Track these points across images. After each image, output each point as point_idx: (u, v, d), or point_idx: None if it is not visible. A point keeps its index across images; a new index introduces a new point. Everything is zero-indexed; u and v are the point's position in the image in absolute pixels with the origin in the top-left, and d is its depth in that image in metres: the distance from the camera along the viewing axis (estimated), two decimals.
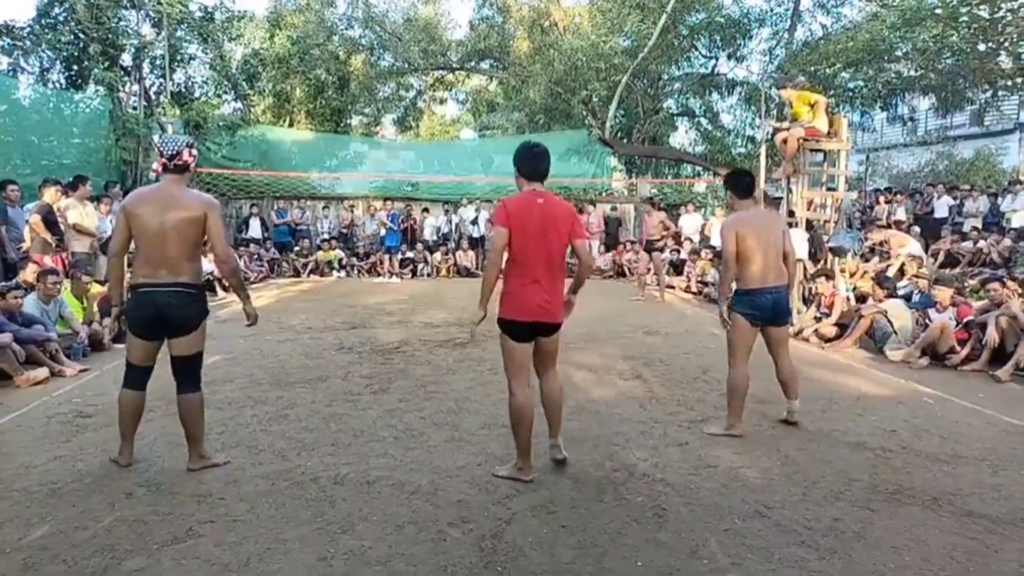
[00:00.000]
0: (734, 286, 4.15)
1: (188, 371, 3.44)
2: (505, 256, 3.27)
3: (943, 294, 6.54)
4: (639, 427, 4.24)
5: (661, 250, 10.68)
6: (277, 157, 16.39)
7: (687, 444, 3.94)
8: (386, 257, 14.11)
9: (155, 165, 3.48)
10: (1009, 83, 13.21)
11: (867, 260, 9.50)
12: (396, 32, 18.15)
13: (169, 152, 3.36)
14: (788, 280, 4.19)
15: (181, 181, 3.42)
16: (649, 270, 10.82)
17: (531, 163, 3.36)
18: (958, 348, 6.15)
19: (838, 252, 8.46)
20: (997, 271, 8.68)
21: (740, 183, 4.25)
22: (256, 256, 13.41)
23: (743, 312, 4.05)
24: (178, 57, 14.49)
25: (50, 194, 7.79)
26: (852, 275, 8.30)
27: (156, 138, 3.38)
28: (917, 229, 11.78)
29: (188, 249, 3.33)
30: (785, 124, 8.22)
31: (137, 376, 3.45)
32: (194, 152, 3.48)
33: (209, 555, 2.62)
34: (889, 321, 6.69)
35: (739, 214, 4.16)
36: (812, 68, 13.78)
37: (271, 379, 5.34)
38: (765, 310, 4.04)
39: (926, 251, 10.83)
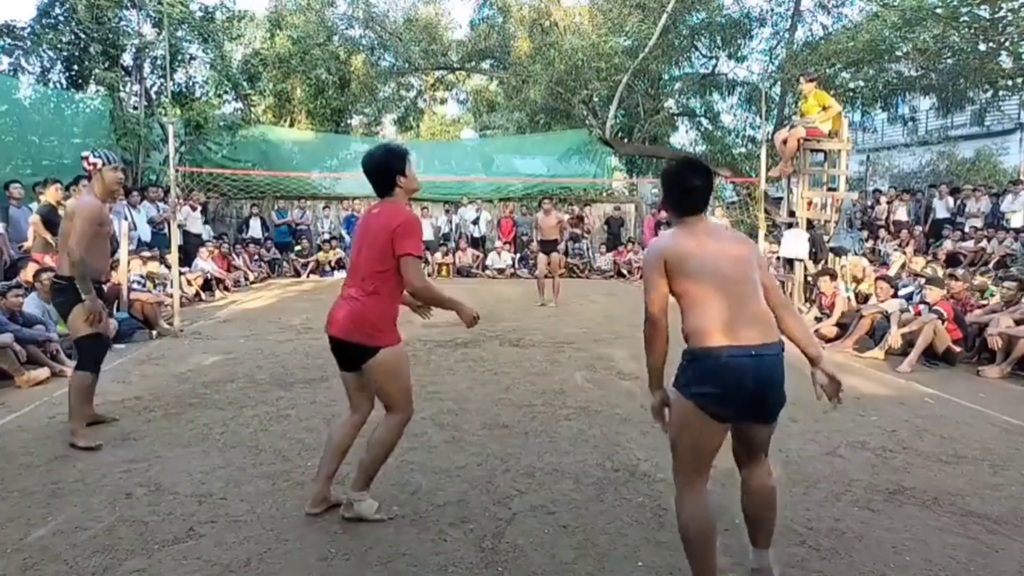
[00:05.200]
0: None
1: (75, 351, 4.05)
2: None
3: (934, 294, 6.55)
4: (639, 427, 4.23)
5: (557, 250, 9.85)
6: (277, 157, 16.38)
7: None
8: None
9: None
10: (1010, 83, 13.20)
11: (872, 262, 9.50)
12: (396, 32, 18.12)
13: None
14: (789, 334, 2.36)
15: (88, 186, 4.04)
16: (549, 274, 9.73)
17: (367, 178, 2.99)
18: (955, 348, 6.16)
19: (839, 252, 8.47)
20: (998, 271, 8.68)
21: (686, 188, 2.35)
22: (256, 256, 13.41)
23: (694, 393, 2.20)
24: (179, 57, 14.47)
25: (51, 193, 7.80)
26: (857, 280, 8.27)
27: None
28: (919, 229, 11.78)
29: (64, 242, 3.86)
30: (812, 119, 8.01)
31: None
32: (92, 160, 3.97)
33: (210, 555, 2.63)
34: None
35: (671, 233, 2.39)
36: (813, 68, 13.76)
37: (272, 379, 5.34)
38: (737, 389, 2.15)
39: (927, 251, 10.83)
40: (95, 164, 3.95)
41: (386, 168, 2.91)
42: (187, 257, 10.50)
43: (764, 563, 2.45)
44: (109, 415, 4.29)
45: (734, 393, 2.17)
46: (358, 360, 2.89)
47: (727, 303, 2.21)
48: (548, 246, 9.76)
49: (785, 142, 8.14)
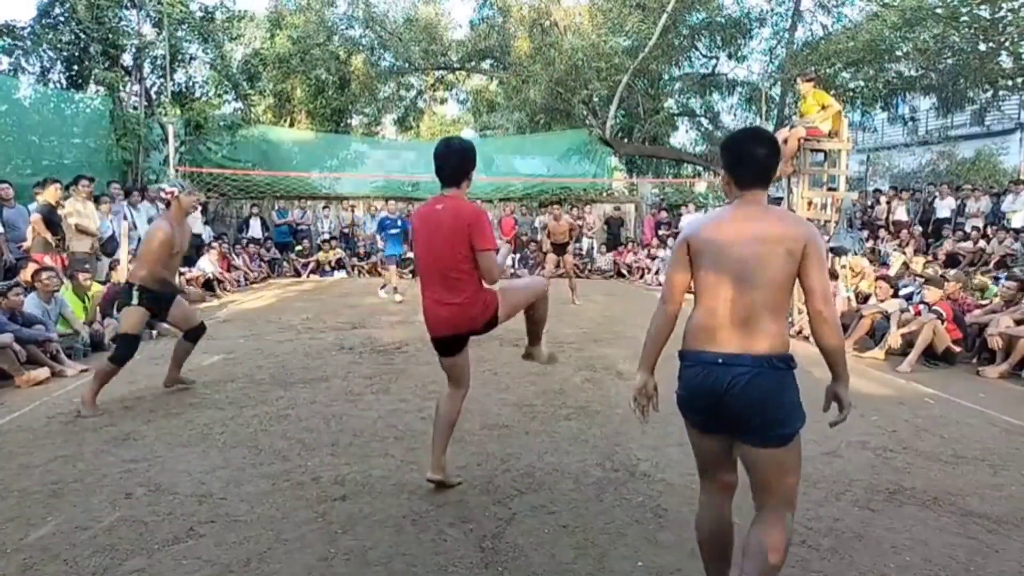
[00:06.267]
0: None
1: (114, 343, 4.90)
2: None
3: (933, 294, 6.55)
4: (639, 427, 4.22)
5: (569, 251, 10.26)
6: (277, 157, 16.37)
7: (687, 444, 3.93)
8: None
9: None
10: (1010, 83, 13.21)
11: (872, 262, 9.49)
12: (396, 32, 18.13)
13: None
14: (818, 344, 2.08)
15: (165, 212, 4.73)
16: (565, 274, 10.31)
17: (436, 165, 3.09)
18: (954, 348, 6.16)
19: (839, 252, 8.46)
20: (999, 271, 8.68)
21: (745, 156, 2.12)
22: (256, 256, 13.41)
23: (676, 394, 2.17)
24: (179, 57, 14.48)
25: (51, 193, 7.80)
26: (856, 276, 8.28)
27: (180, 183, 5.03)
28: (919, 229, 11.78)
29: (139, 257, 4.76)
30: (811, 119, 8.01)
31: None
32: (168, 189, 4.67)
33: (210, 555, 2.62)
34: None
35: (713, 214, 2.23)
36: (813, 68, 13.78)
37: (272, 379, 5.34)
38: (699, 398, 2.07)
39: (927, 251, 10.83)
40: (172, 192, 4.64)
41: (466, 160, 3.08)
42: (187, 257, 10.49)
43: None
44: (188, 378, 5.03)
45: (695, 399, 2.08)
46: (464, 344, 3.16)
47: (725, 304, 2.03)
48: (560, 248, 10.18)
49: (785, 142, 8.12)
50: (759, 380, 1.97)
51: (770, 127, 14.82)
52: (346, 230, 15.26)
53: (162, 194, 4.71)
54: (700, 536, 2.24)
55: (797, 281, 2.04)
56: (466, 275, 3.00)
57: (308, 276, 13.75)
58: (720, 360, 2.01)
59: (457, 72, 21.40)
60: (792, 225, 2.06)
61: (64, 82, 13.51)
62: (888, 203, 13.14)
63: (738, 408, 1.98)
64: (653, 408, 2.24)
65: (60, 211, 7.84)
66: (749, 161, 2.11)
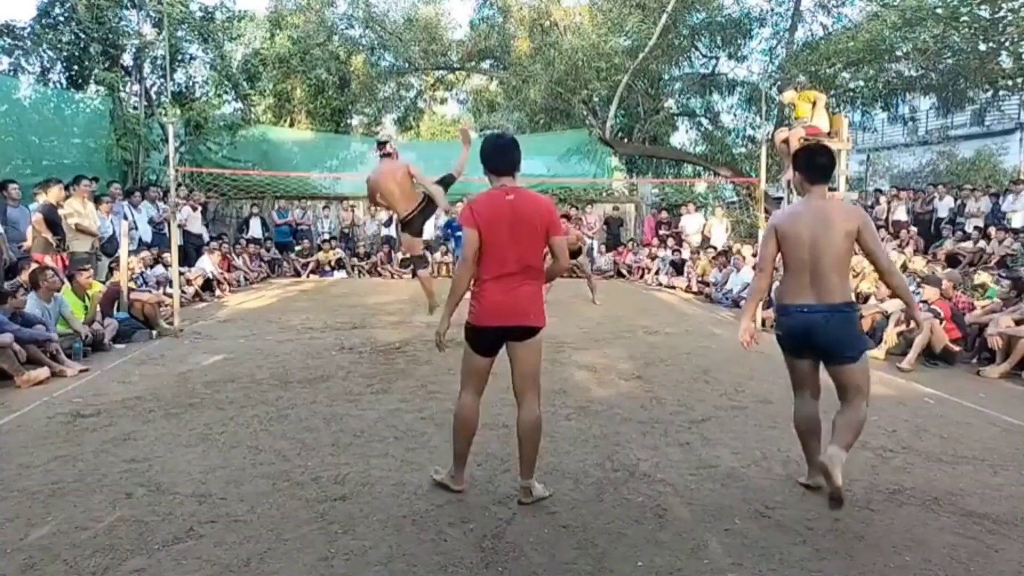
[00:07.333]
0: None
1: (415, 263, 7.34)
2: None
3: (931, 292, 6.55)
4: (639, 427, 4.23)
5: (577, 254, 10.40)
6: (278, 157, 16.37)
7: (687, 444, 3.94)
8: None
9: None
10: (1010, 83, 13.20)
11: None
12: (397, 32, 18.14)
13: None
14: (894, 293, 3.59)
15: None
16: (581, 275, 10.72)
17: (496, 156, 3.13)
18: (953, 347, 6.16)
19: None
20: (1000, 271, 8.66)
21: (813, 163, 3.15)
22: (256, 256, 13.41)
23: (777, 334, 3.24)
24: (179, 57, 14.48)
25: (53, 193, 7.79)
26: (856, 276, 8.30)
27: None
28: (915, 229, 11.78)
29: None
30: (807, 119, 8.03)
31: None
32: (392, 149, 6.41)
33: (210, 555, 2.63)
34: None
35: (792, 207, 3.31)
36: (812, 68, 13.78)
37: (272, 379, 5.34)
38: (794, 336, 3.12)
39: (926, 251, 10.82)
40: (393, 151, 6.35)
41: (519, 149, 3.19)
42: (187, 257, 10.50)
43: (828, 460, 2.92)
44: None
45: (791, 337, 3.13)
46: (520, 339, 3.06)
47: (805, 270, 3.00)
48: (571, 255, 10.20)
49: (786, 141, 8.14)
50: (832, 321, 2.98)
51: (769, 127, 14.81)
52: (346, 230, 15.25)
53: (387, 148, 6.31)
54: (800, 426, 3.26)
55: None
56: (539, 265, 3.09)
57: (308, 276, 13.75)
58: (805, 309, 3.02)
59: (457, 72, 21.41)
60: (848, 211, 3.12)
61: (64, 82, 13.50)
62: (888, 203, 13.14)
63: (822, 340, 3.02)
64: (755, 341, 3.22)
65: (60, 211, 7.83)
66: (817, 166, 3.13)
